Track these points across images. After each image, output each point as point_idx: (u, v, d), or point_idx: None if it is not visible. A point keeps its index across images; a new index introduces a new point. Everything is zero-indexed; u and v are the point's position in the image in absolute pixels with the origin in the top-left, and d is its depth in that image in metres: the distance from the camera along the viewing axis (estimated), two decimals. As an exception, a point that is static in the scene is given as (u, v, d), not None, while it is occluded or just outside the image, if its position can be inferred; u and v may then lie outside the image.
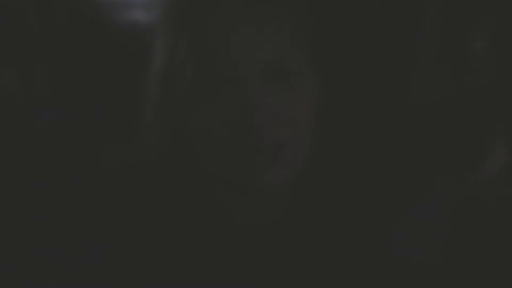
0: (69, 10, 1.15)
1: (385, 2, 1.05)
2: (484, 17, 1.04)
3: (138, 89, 1.11)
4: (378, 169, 1.02)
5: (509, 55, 1.04)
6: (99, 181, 1.05)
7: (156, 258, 0.98)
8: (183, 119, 0.96)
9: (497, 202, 1.01)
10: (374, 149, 1.03)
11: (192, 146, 0.96)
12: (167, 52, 0.97)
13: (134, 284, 0.98)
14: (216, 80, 0.92)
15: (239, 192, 0.97)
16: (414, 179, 1.03)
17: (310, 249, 0.99)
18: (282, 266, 0.99)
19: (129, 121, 1.11)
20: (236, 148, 0.92)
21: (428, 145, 1.06)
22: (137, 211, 1.00)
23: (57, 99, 1.15)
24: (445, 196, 1.02)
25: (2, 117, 1.13)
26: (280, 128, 0.92)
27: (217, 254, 0.98)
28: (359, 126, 1.02)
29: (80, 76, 1.15)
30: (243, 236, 0.98)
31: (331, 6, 1.01)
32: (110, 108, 1.15)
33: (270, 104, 0.91)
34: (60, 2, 1.15)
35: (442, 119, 1.06)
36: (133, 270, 0.98)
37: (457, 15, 1.05)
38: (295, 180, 0.96)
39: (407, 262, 0.98)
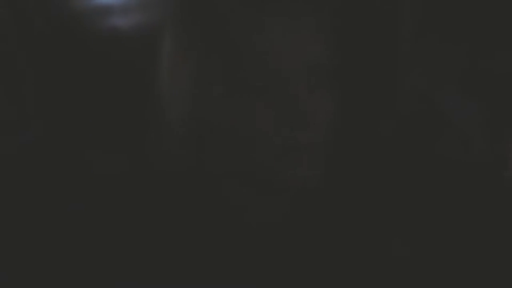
0: (46, 18, 1.14)
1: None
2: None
3: (125, 93, 1.11)
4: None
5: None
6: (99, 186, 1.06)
7: (161, 257, 1.00)
8: (217, 119, 0.97)
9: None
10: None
11: (222, 146, 0.97)
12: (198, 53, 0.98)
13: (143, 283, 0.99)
14: (260, 81, 0.93)
15: (261, 190, 0.98)
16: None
17: (314, 249, 1.00)
18: (286, 264, 1.00)
19: (120, 126, 1.11)
20: (275, 146, 0.94)
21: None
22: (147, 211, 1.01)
23: (43, 109, 1.14)
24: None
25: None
26: (313, 128, 0.94)
27: (225, 253, 0.99)
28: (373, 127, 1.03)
29: (64, 84, 1.14)
30: (252, 235, 0.99)
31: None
32: (92, 114, 1.15)
33: (311, 105, 0.93)
34: (37, 11, 1.14)
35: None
36: (136, 268, 0.99)
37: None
38: (317, 181, 0.98)
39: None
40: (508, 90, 1.03)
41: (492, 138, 1.02)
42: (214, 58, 0.98)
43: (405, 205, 1.02)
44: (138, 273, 1.03)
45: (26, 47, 1.13)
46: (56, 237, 1.06)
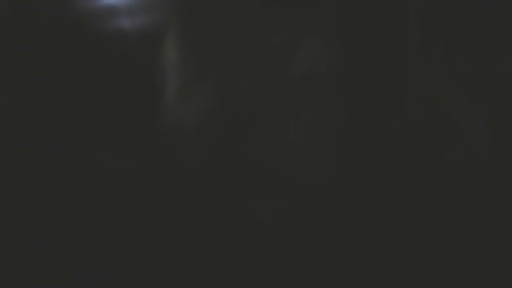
0: (52, 19, 1.14)
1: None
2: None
3: (129, 96, 1.11)
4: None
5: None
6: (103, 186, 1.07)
7: (165, 259, 1.00)
8: (234, 128, 0.97)
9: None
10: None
11: (237, 153, 0.97)
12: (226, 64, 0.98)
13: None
14: (291, 87, 0.94)
15: (272, 195, 0.98)
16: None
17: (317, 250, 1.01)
18: (289, 266, 1.00)
19: (123, 127, 1.11)
20: (290, 152, 0.95)
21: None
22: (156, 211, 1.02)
23: (48, 110, 1.14)
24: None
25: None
26: (328, 132, 0.95)
27: (232, 254, 0.99)
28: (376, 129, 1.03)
29: (69, 84, 1.14)
30: (259, 236, 1.00)
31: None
32: (99, 114, 1.15)
33: (325, 109, 0.94)
34: (43, 13, 1.14)
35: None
36: (138, 269, 1.00)
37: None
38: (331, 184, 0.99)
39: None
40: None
41: (500, 143, 1.02)
42: (231, 63, 0.99)
43: (413, 209, 1.02)
44: (141, 274, 1.03)
45: (30, 48, 1.13)
46: (60, 239, 1.06)
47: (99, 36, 1.14)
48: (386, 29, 1.03)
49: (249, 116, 0.98)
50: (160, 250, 1.04)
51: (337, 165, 1.01)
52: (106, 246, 1.05)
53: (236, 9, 0.99)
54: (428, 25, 1.02)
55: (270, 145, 0.98)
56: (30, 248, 1.06)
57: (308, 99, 0.99)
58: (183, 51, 1.03)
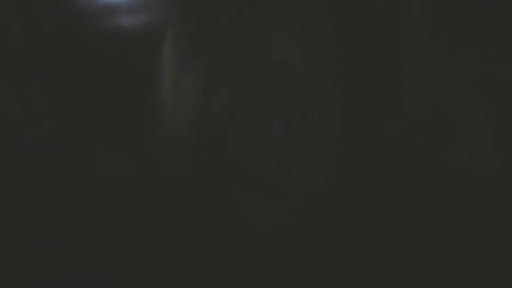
0: (52, 18, 1.14)
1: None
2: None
3: (129, 95, 1.11)
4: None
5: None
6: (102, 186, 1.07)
7: (162, 260, 1.00)
8: (229, 126, 0.97)
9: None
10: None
11: (235, 152, 0.97)
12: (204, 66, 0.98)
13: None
14: (272, 88, 0.94)
15: (271, 195, 0.98)
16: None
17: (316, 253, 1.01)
18: (286, 268, 1.00)
19: (123, 127, 1.11)
20: (289, 152, 0.95)
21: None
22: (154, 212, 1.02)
23: (49, 109, 1.14)
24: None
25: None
26: (322, 133, 0.95)
27: (231, 254, 0.99)
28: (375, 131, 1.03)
29: (69, 83, 1.14)
30: (256, 239, 1.00)
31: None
32: (99, 113, 1.14)
33: (320, 110, 0.93)
34: (43, 10, 1.14)
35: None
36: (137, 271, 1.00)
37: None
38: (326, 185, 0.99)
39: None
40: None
41: (500, 144, 1.01)
42: (221, 63, 0.98)
43: (413, 210, 1.02)
44: (141, 274, 1.04)
45: (32, 47, 1.13)
46: (60, 239, 1.06)
47: (100, 35, 1.14)
48: (386, 28, 1.02)
49: (246, 115, 0.98)
50: (160, 250, 1.04)
51: (336, 165, 1.01)
52: (106, 246, 1.06)
53: (229, 7, 0.99)
54: (428, 25, 1.02)
55: (268, 145, 0.98)
56: (30, 248, 1.06)
57: (307, 98, 0.98)
58: (178, 50, 1.03)
